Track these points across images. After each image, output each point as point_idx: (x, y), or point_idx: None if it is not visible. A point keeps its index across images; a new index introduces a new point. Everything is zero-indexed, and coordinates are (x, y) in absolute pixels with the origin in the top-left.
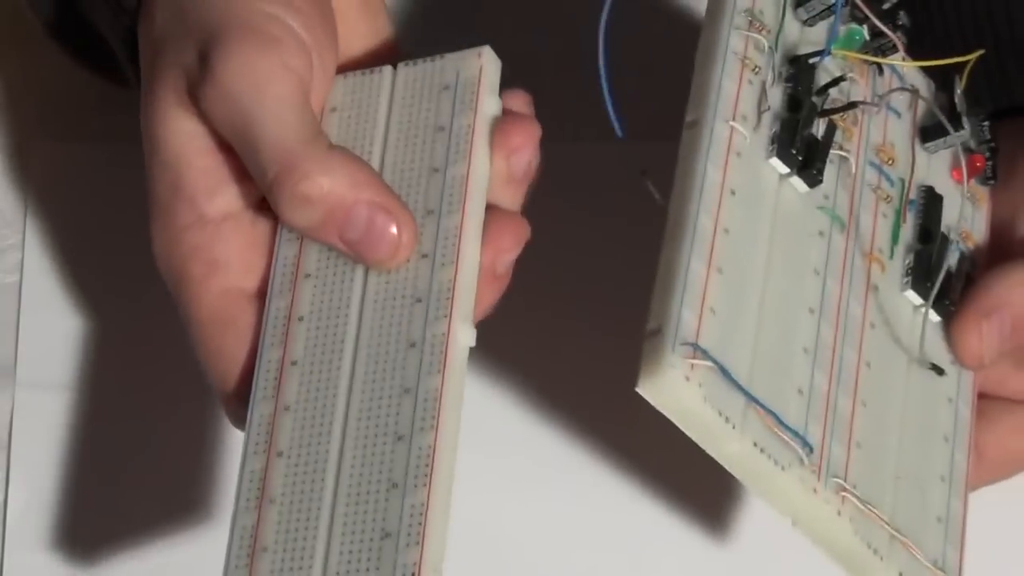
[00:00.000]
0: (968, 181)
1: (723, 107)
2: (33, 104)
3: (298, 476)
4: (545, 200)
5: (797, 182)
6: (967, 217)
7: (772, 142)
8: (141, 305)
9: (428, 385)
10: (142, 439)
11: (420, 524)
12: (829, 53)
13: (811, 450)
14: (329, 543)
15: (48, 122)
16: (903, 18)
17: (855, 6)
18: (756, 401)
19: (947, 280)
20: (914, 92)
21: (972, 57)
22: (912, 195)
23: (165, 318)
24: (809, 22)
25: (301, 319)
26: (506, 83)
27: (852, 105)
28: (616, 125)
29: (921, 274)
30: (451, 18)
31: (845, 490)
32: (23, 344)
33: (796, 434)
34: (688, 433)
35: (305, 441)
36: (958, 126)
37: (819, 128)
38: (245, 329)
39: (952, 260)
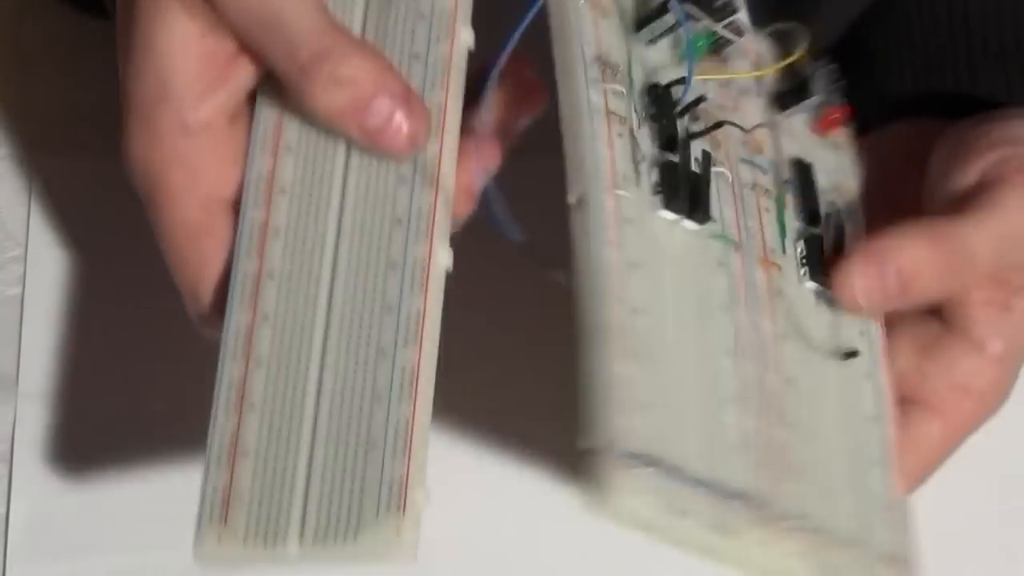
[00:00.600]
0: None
1: (603, 178)
2: (36, 118)
3: (279, 385)
4: None
5: (688, 224)
6: (842, 168)
7: (655, 192)
8: (143, 317)
9: (411, 304)
10: (145, 451)
11: (406, 437)
12: (688, 82)
13: (760, 503)
14: (312, 453)
15: (51, 136)
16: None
17: (689, 15)
18: (702, 484)
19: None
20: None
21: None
22: (788, 175)
23: (167, 330)
24: (653, 42)
25: (277, 232)
26: None
27: (718, 125)
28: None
29: (815, 262)
30: None
31: (802, 528)
32: (25, 356)
33: (744, 496)
34: (651, 538)
35: (285, 351)
36: (807, 93)
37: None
38: (224, 239)
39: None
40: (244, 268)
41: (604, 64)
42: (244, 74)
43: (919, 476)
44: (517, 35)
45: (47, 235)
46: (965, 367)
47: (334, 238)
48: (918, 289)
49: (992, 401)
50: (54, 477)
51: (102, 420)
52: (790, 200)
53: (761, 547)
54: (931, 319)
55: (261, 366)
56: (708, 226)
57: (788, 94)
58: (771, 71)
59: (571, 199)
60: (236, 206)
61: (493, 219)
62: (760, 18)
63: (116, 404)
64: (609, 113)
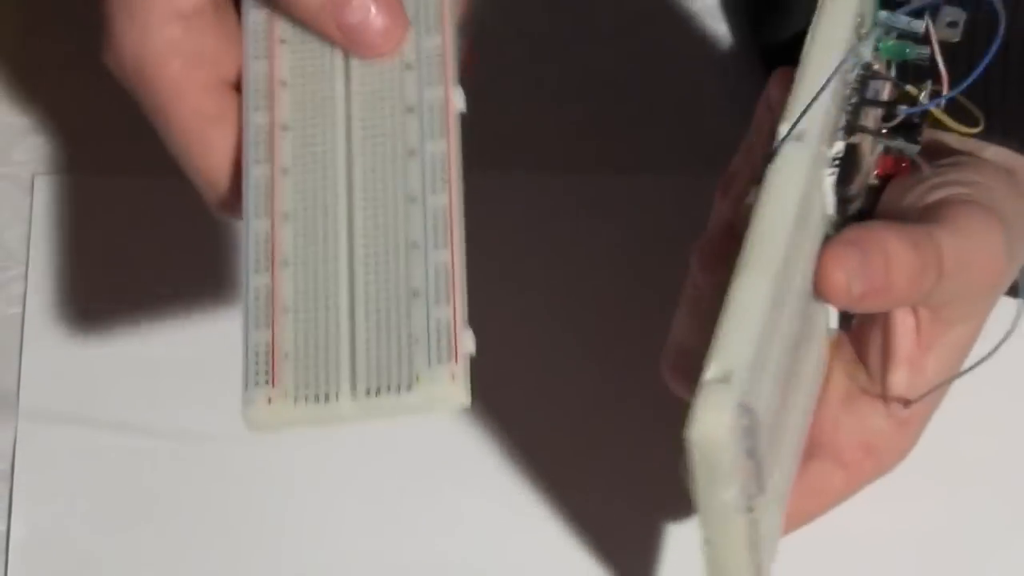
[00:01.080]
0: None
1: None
2: (37, 136)
3: (309, 237)
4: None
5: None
6: None
7: (832, 163)
8: (144, 337)
9: (435, 148)
10: (146, 470)
11: (448, 282)
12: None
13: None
14: (353, 305)
15: (52, 155)
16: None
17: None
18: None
19: None
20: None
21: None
22: None
23: (169, 349)
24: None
25: (285, 128)
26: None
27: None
28: None
29: None
30: None
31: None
32: (25, 375)
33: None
34: (698, 481)
35: (311, 203)
36: (914, 138)
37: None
38: (233, 121)
39: None
40: (256, 121)
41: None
42: None
43: (812, 515)
44: None
45: (47, 254)
46: (876, 428)
47: (344, 93)
48: (893, 288)
49: (888, 463)
50: (54, 495)
51: (103, 438)
52: None
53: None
54: (862, 372)
55: (288, 220)
56: None
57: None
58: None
59: (783, 129)
60: (239, 86)
61: None
62: None
63: (117, 422)
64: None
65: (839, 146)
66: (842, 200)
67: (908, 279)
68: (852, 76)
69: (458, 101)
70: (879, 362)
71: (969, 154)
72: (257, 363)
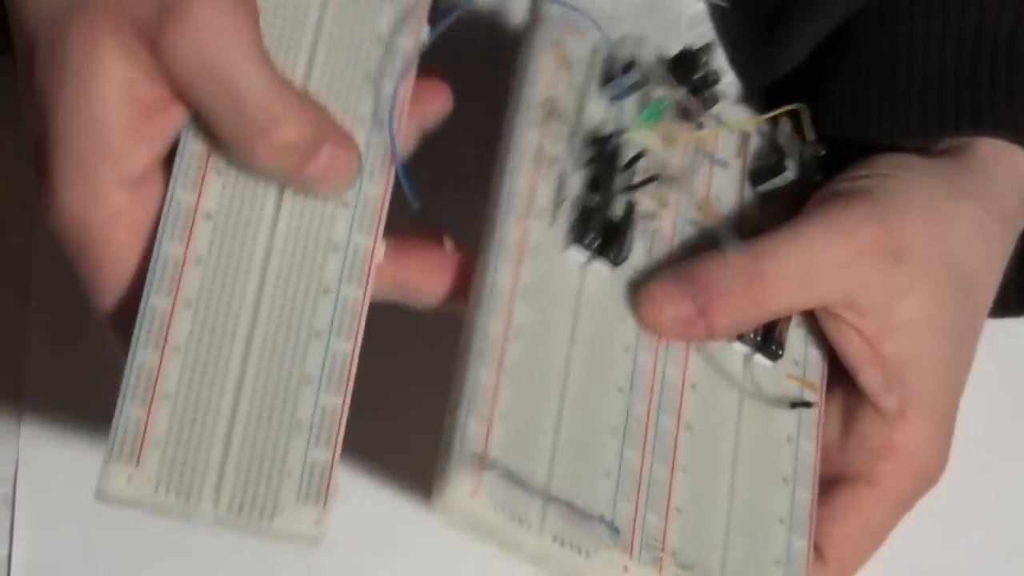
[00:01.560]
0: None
1: (515, 207)
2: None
3: (206, 329)
4: None
5: (600, 266)
6: None
7: (571, 230)
8: None
9: (350, 293)
10: None
11: (333, 426)
12: (623, 132)
13: (617, 532)
14: (235, 415)
15: None
16: (715, 78)
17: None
18: (552, 498)
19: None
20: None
21: (794, 107)
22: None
23: None
24: (618, 98)
25: (199, 261)
26: None
27: (651, 179)
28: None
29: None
30: None
31: (663, 559)
32: (28, 398)
33: (600, 520)
34: (490, 545)
35: (215, 301)
36: (778, 169)
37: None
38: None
39: None
40: (169, 252)
41: (550, 110)
42: (176, 121)
43: (865, 545)
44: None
45: (50, 275)
46: (877, 433)
47: (271, 222)
48: (720, 301)
49: (918, 458)
50: (56, 519)
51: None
52: None
53: (614, 571)
54: (855, 392)
55: (189, 307)
56: (630, 269)
57: (764, 170)
58: (712, 134)
59: (486, 223)
60: None
61: (399, 177)
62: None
63: None
64: (540, 153)
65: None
66: (604, 249)
67: (736, 286)
68: (573, 152)
69: (379, 255)
70: (852, 376)
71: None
72: (125, 437)
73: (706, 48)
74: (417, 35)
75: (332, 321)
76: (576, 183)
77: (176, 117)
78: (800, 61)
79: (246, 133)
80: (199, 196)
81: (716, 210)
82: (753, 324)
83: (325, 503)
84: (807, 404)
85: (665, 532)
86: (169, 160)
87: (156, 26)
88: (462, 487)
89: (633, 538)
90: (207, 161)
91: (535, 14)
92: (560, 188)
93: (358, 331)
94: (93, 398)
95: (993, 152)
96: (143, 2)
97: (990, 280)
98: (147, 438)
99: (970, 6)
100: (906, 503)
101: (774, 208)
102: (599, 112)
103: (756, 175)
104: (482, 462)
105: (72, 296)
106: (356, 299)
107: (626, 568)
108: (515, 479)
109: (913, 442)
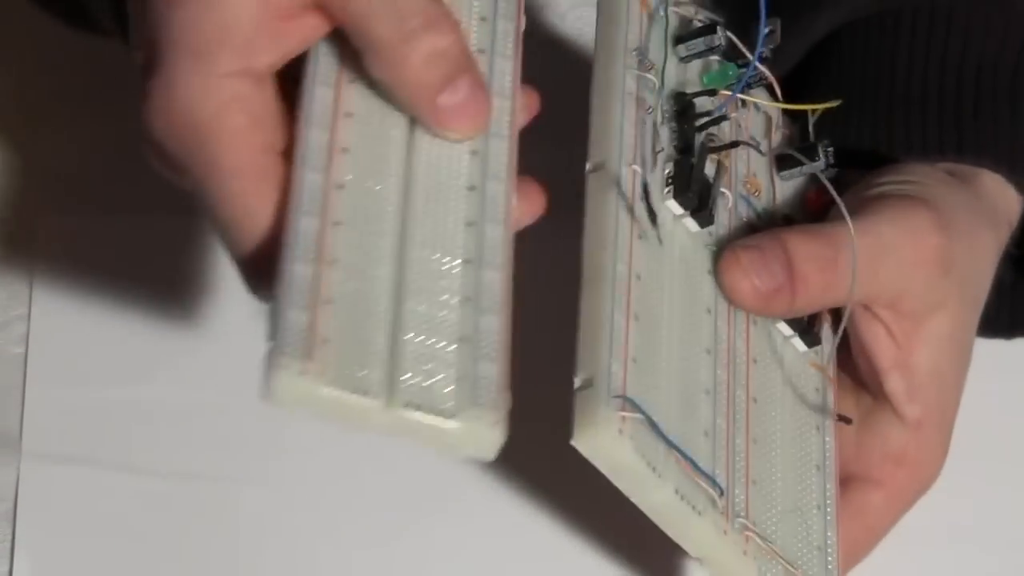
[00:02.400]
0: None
1: (625, 151)
2: (41, 177)
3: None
4: None
5: (690, 223)
6: None
7: (667, 184)
8: (147, 378)
9: (493, 232)
10: (148, 511)
11: (496, 342)
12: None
13: (722, 492)
14: (400, 314)
15: (55, 195)
16: (768, 53)
17: (731, 45)
18: (677, 448)
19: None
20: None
21: (830, 104)
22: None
23: (172, 390)
24: (686, 59)
25: (341, 187)
26: None
27: (735, 144)
28: None
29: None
30: None
31: (749, 530)
32: (28, 415)
33: (710, 478)
34: (618, 484)
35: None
36: (813, 156)
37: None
38: (280, 187)
39: None
40: (310, 178)
41: (642, 56)
42: (307, 32)
43: (866, 545)
44: None
45: (50, 294)
46: (895, 438)
47: (404, 161)
48: (803, 279)
49: (925, 468)
50: (57, 536)
51: (105, 479)
52: None
53: (716, 533)
54: (865, 393)
55: (340, 225)
56: (706, 232)
57: (787, 158)
58: (791, 107)
59: (589, 165)
60: (290, 159)
61: None
62: None
63: (120, 463)
64: (639, 99)
65: (668, 167)
66: (698, 209)
67: (817, 267)
68: (661, 104)
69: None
70: (873, 378)
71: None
72: (294, 336)
73: (775, 21)
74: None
75: (479, 251)
76: (663, 135)
77: (308, 28)
78: (788, 66)
79: (401, 33)
80: (333, 134)
81: (759, 187)
82: (817, 308)
83: (500, 407)
84: (848, 421)
85: (748, 502)
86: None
87: None
88: (610, 424)
89: (728, 504)
90: (338, 102)
91: None
92: (655, 138)
93: (506, 265)
94: (94, 415)
95: (997, 187)
96: None
97: (982, 303)
98: (316, 337)
99: (955, 33)
100: (907, 507)
101: (790, 195)
102: (672, 70)
103: (780, 161)
104: (625, 404)
105: (72, 311)
106: (499, 237)
107: (725, 532)
108: (650, 425)
109: (924, 452)
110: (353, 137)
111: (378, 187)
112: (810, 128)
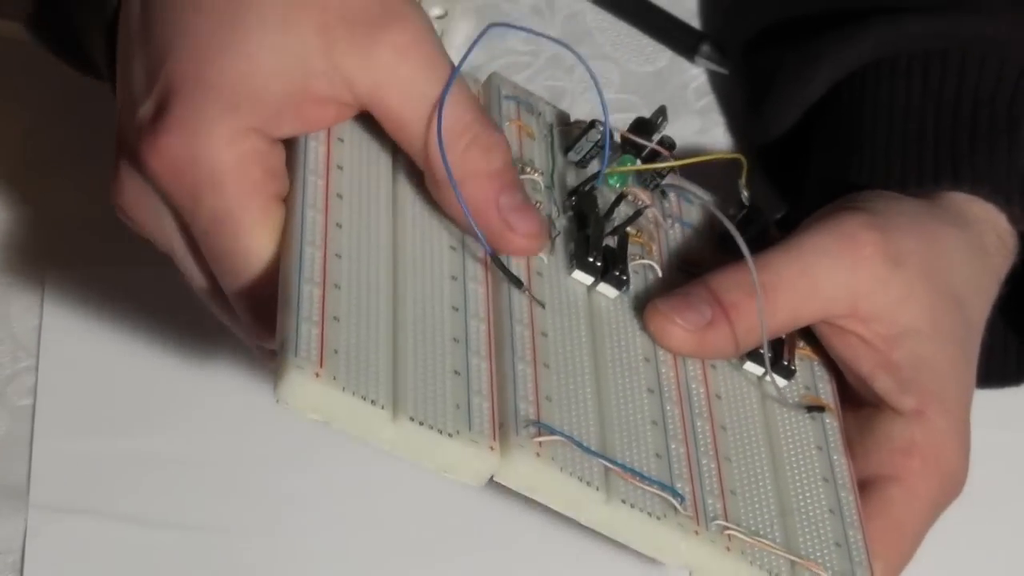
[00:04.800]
0: None
1: None
2: (47, 228)
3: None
4: None
5: (605, 288)
6: None
7: (571, 259)
8: (155, 429)
9: (476, 288)
10: (155, 562)
11: (489, 381)
12: (603, 175)
13: (683, 499)
14: (403, 338)
15: (62, 246)
16: (671, 141)
17: (624, 140)
18: (614, 463)
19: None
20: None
21: (735, 156)
22: None
23: (180, 441)
24: (581, 163)
25: (339, 225)
26: None
27: (637, 213)
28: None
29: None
30: None
31: (729, 529)
32: (36, 466)
33: (663, 485)
34: (558, 507)
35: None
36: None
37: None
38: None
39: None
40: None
41: (522, 162)
42: (336, 117)
43: (902, 542)
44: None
45: (58, 345)
46: (899, 432)
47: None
48: (733, 307)
49: (942, 457)
50: None
51: (113, 530)
52: None
53: (685, 535)
54: (863, 406)
55: (340, 258)
56: (628, 296)
57: (725, 238)
58: (688, 163)
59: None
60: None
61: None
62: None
63: (127, 514)
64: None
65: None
66: (604, 275)
67: (744, 293)
68: (553, 199)
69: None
70: (863, 386)
71: None
72: (307, 342)
73: (660, 112)
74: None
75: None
76: (563, 223)
77: (334, 115)
78: (791, 122)
79: (466, 122)
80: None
81: (701, 262)
82: (769, 335)
83: (495, 437)
84: (820, 408)
85: (725, 508)
86: None
87: (376, 23)
88: (525, 448)
89: (697, 510)
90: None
91: (487, 97)
92: (551, 226)
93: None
94: (102, 466)
95: (964, 198)
96: (362, 3)
97: (979, 306)
98: (326, 349)
99: (950, 72)
100: (934, 504)
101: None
102: (568, 174)
103: (723, 238)
104: (539, 429)
105: (81, 361)
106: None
107: (696, 532)
108: (574, 443)
109: (935, 437)
110: (347, 187)
111: (372, 232)
112: (743, 197)
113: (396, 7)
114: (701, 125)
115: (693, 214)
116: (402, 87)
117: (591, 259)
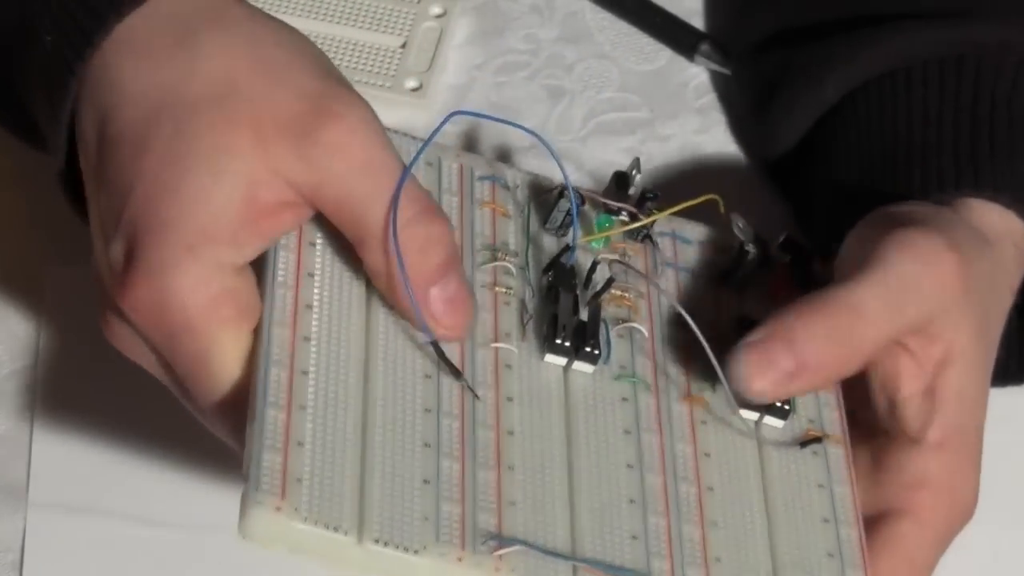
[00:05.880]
0: (786, 292)
1: (482, 334)
2: (44, 229)
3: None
4: None
5: (581, 366)
6: None
7: (543, 342)
8: (154, 427)
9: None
10: (155, 561)
11: (457, 485)
12: (573, 249)
13: None
14: (369, 454)
15: (62, 246)
16: (651, 194)
17: (596, 202)
18: (583, 560)
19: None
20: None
21: (710, 197)
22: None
23: (179, 440)
24: (559, 233)
25: (307, 339)
26: None
27: (609, 282)
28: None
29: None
30: None
31: None
32: (36, 465)
33: (638, 572)
34: None
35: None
36: (743, 253)
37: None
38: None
39: None
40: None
41: (494, 249)
42: (293, 221)
43: None
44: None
45: (58, 344)
46: (913, 464)
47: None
48: (814, 360)
49: (955, 490)
50: None
51: (112, 529)
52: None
53: None
54: (879, 434)
55: (307, 375)
56: (611, 370)
57: (727, 272)
58: (657, 218)
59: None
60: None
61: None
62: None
63: (126, 513)
64: (495, 287)
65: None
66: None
67: (826, 349)
68: (528, 281)
69: None
70: (890, 410)
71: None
72: (268, 475)
73: (635, 164)
74: None
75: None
76: (536, 304)
77: (289, 220)
78: (800, 133)
79: (400, 220)
80: (296, 292)
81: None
82: (853, 363)
83: (463, 547)
84: (817, 440)
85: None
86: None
87: (310, 125)
88: (485, 564)
89: None
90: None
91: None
92: (523, 311)
93: (463, 452)
94: (101, 465)
95: (982, 207)
96: (291, 102)
97: (1000, 327)
98: (288, 475)
99: (966, 77)
100: (945, 535)
101: (752, 299)
102: (548, 244)
103: (725, 273)
104: (499, 542)
105: (80, 362)
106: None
107: None
108: (534, 549)
109: (948, 473)
110: (316, 296)
111: (343, 340)
112: (737, 228)
113: (328, 106)
114: (700, 124)
115: (689, 254)
116: (338, 185)
117: (559, 340)
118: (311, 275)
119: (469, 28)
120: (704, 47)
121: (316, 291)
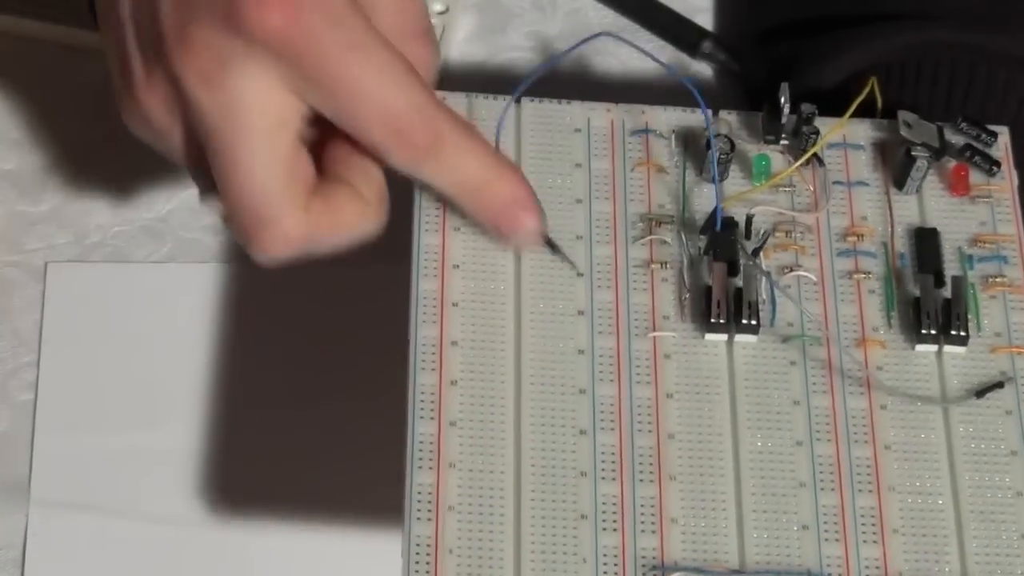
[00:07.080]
0: (968, 190)
1: (640, 322)
2: (48, 226)
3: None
4: None
5: (743, 338)
6: (986, 221)
7: (698, 319)
8: (156, 424)
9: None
10: (157, 558)
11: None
12: (719, 210)
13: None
14: (520, 525)
15: (63, 243)
16: (807, 108)
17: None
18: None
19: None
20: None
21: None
22: (901, 249)
23: (181, 437)
24: (716, 179)
25: (455, 343)
26: None
27: (765, 237)
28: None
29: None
30: None
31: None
32: (37, 462)
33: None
34: None
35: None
36: (910, 159)
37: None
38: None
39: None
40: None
41: (651, 219)
42: None
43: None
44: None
45: (59, 341)
46: None
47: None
48: None
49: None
50: None
51: (115, 526)
52: (908, 272)
53: None
54: None
55: (455, 426)
56: (777, 331)
57: (899, 171)
58: (813, 151)
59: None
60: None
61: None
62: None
63: (128, 509)
64: (651, 264)
65: None
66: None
67: None
68: (687, 250)
69: None
70: None
71: None
72: (418, 550)
73: (783, 90)
74: None
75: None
76: (694, 275)
77: None
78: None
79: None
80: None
81: (863, 231)
82: None
83: None
84: (1000, 385)
85: (885, 556)
86: None
87: None
88: None
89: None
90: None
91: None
92: (681, 285)
93: (621, 424)
94: (103, 461)
95: None
96: None
97: None
98: (439, 547)
99: (976, 86)
100: None
101: (936, 200)
102: (708, 193)
103: (897, 181)
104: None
105: (82, 357)
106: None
107: None
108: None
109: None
110: (461, 327)
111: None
112: (903, 123)
113: None
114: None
115: (861, 163)
116: None
117: (713, 319)
118: (455, 304)
119: (471, 25)
120: (706, 44)
121: (461, 322)
